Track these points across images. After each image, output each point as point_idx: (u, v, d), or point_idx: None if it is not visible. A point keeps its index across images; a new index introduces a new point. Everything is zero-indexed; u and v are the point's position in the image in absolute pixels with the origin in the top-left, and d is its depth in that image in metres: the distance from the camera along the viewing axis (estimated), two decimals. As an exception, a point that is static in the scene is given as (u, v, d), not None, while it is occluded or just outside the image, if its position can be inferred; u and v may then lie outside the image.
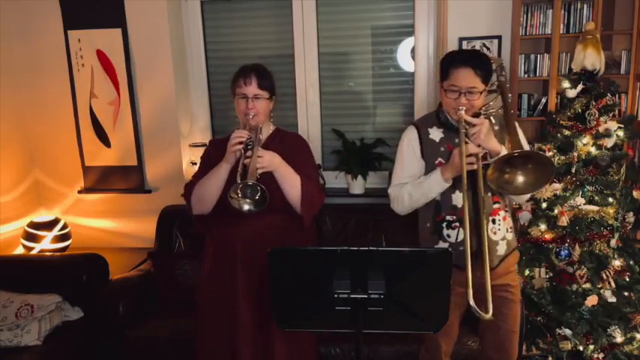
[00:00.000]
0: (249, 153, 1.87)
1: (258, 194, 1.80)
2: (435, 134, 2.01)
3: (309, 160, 2.12)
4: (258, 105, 1.98)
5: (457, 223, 1.96)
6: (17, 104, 3.39)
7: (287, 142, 2.11)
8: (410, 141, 2.03)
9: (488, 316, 1.70)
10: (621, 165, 2.59)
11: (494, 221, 1.96)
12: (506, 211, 2.03)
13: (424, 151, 2.00)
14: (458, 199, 1.96)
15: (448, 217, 1.98)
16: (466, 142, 1.83)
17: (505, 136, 1.98)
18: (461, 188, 1.93)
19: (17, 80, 3.37)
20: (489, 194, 1.96)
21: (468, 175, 1.86)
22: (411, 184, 1.98)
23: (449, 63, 1.92)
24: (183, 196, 2.07)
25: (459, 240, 1.96)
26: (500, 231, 1.97)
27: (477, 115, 1.92)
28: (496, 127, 1.99)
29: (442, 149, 1.98)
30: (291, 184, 1.95)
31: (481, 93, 1.89)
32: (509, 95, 2.01)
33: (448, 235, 1.98)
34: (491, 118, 1.97)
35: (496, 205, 1.98)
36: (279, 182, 1.95)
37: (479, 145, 1.85)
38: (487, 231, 1.85)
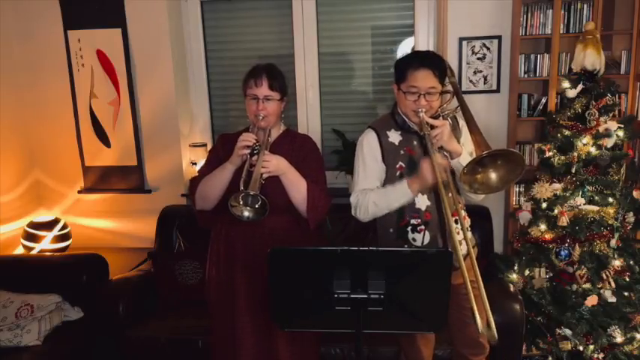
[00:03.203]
0: (254, 158, 1.86)
1: (259, 203, 1.80)
2: (394, 137, 1.98)
3: (317, 164, 2.10)
4: (269, 106, 1.97)
5: (423, 227, 1.95)
6: (17, 104, 3.39)
7: (297, 144, 2.09)
8: (370, 145, 1.98)
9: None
10: (621, 165, 2.59)
11: (456, 221, 1.94)
12: (465, 211, 2.04)
13: (385, 155, 1.96)
14: (421, 202, 1.94)
15: (413, 221, 1.95)
16: (434, 152, 1.80)
17: (458, 137, 1.98)
18: (424, 191, 1.93)
19: (17, 80, 3.37)
20: (450, 195, 1.92)
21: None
22: (376, 192, 1.93)
23: (406, 65, 1.90)
24: (188, 191, 2.08)
25: (425, 243, 1.95)
26: (462, 231, 1.95)
27: (435, 117, 1.91)
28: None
29: (402, 152, 1.96)
30: (297, 188, 1.95)
31: (439, 94, 1.90)
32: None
33: (414, 239, 1.96)
34: (449, 119, 1.96)
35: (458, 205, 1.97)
36: (286, 186, 1.94)
37: (441, 147, 1.84)
38: (452, 231, 1.80)
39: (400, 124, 1.99)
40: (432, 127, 1.84)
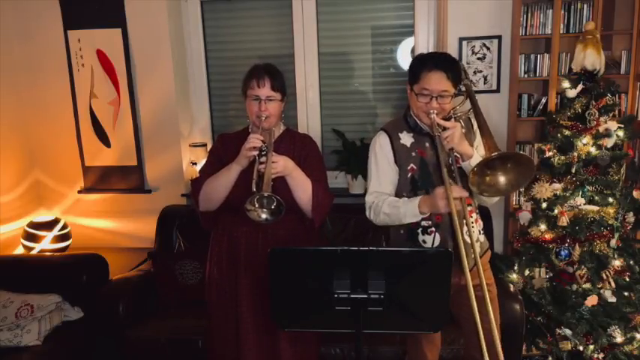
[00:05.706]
0: (263, 159, 1.86)
1: (274, 204, 1.80)
2: (406, 139, 1.97)
3: (319, 162, 2.10)
4: (271, 107, 1.96)
5: (433, 229, 1.94)
6: (17, 104, 3.39)
7: (298, 143, 2.10)
8: (382, 147, 1.98)
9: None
10: (621, 165, 2.59)
11: (468, 224, 1.93)
12: (477, 213, 2.02)
13: (397, 156, 1.96)
14: None
15: (423, 223, 1.94)
16: (450, 184, 1.79)
17: (472, 139, 1.98)
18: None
19: (17, 80, 3.37)
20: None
21: (441, 180, 1.85)
22: (389, 203, 1.92)
23: (420, 66, 1.89)
24: (190, 192, 2.06)
25: (435, 245, 1.94)
26: (474, 233, 1.95)
27: (447, 118, 1.90)
28: (463, 130, 1.95)
29: (413, 154, 1.96)
30: (302, 188, 1.95)
31: (451, 97, 1.88)
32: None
33: (424, 241, 1.95)
34: (461, 121, 1.96)
35: (469, 208, 1.96)
36: (291, 186, 1.94)
37: (452, 149, 1.83)
38: (462, 234, 1.81)
39: (412, 125, 1.98)
40: (444, 128, 1.83)
